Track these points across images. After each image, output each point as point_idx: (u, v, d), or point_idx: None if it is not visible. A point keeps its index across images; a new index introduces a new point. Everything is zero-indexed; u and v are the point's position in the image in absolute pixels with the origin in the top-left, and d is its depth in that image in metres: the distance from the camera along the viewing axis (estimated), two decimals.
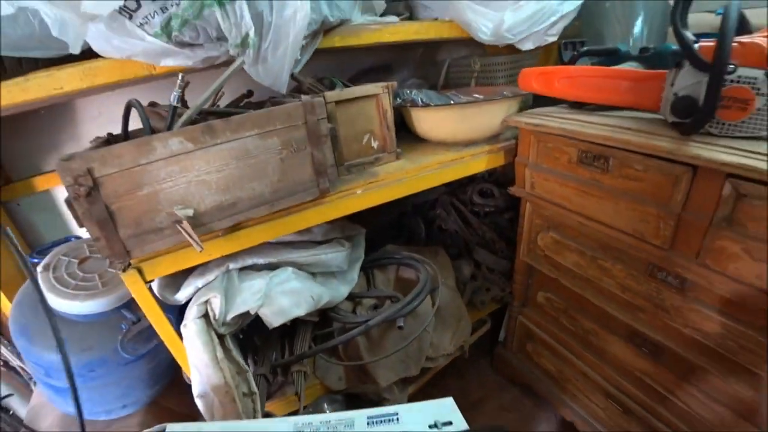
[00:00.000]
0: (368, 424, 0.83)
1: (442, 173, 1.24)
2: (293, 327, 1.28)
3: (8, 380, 1.65)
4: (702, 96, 0.82)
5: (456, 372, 1.94)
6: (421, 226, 1.79)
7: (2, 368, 1.70)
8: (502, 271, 1.67)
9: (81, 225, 0.86)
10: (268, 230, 0.99)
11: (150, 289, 0.96)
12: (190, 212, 0.90)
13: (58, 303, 1.04)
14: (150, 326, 1.02)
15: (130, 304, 1.10)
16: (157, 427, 0.76)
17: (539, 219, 1.29)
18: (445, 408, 0.95)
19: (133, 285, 0.93)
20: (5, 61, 0.94)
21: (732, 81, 0.79)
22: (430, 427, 0.85)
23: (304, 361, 1.18)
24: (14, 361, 1.57)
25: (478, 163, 1.29)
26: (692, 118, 0.85)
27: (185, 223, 0.89)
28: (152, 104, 1.12)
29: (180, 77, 0.92)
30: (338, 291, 1.21)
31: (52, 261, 1.12)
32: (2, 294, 1.48)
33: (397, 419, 0.86)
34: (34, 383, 1.50)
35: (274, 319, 1.00)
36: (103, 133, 1.13)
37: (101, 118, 1.61)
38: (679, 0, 0.84)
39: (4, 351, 1.56)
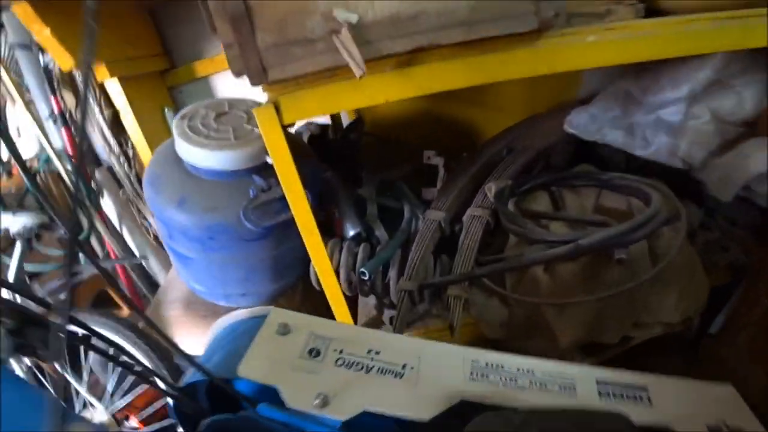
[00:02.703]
0: (600, 394, 0.47)
1: (719, 33, 0.76)
2: (453, 241, 0.97)
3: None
4: None
5: (631, 358, 1.44)
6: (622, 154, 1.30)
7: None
8: (749, 225, 1.12)
9: (213, 28, 0.63)
10: (458, 69, 0.66)
11: (287, 138, 0.71)
12: (353, 18, 0.60)
13: (185, 150, 0.88)
14: (282, 198, 0.79)
15: (262, 170, 0.89)
16: (264, 308, 0.51)
17: None
18: (725, 401, 0.55)
19: (266, 124, 0.69)
20: None
21: None
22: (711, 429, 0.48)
23: (465, 284, 0.86)
24: None
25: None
26: None
27: (345, 34, 0.60)
28: None
29: None
30: None
31: (190, 111, 0.96)
32: None
33: (649, 399, 0.49)
34: None
35: None
36: None
37: None
38: None
39: None
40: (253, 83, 0.66)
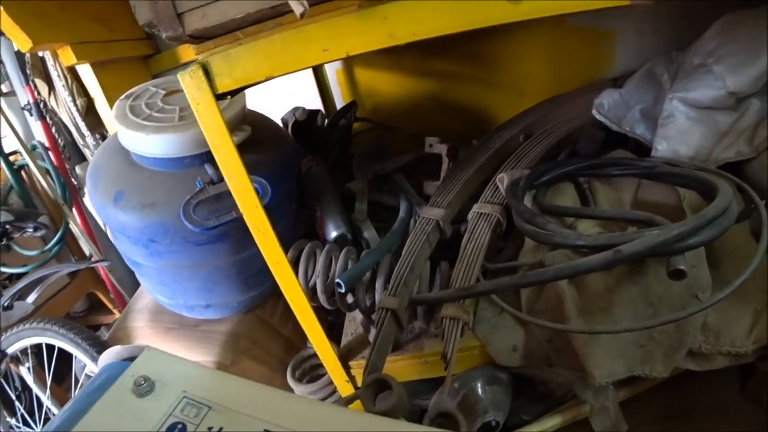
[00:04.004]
0: None
1: None
2: (451, 248, 0.78)
3: None
4: None
5: (676, 383, 1.20)
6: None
7: None
8: None
9: None
10: (448, 10, 0.46)
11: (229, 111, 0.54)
12: None
13: (123, 134, 0.72)
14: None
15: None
16: (141, 346, 0.34)
17: None
18: None
19: (195, 94, 0.52)
20: None
21: None
22: None
23: (464, 302, 0.67)
24: None
25: None
26: None
27: None
28: None
29: None
30: None
31: (138, 90, 0.80)
32: None
33: None
34: None
35: None
36: None
37: None
38: None
39: None
40: (169, 36, 0.49)
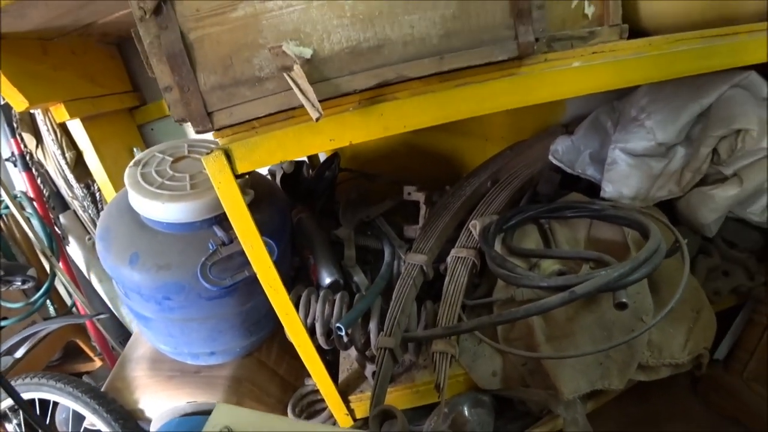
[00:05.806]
0: None
1: (710, 52, 0.70)
2: (439, 282, 0.89)
3: None
4: None
5: (638, 393, 1.35)
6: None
7: None
8: (751, 249, 1.07)
9: (150, 69, 0.56)
10: (430, 106, 0.59)
11: (246, 187, 0.63)
12: (307, 52, 0.54)
13: (137, 201, 0.79)
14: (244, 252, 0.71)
15: (224, 220, 0.81)
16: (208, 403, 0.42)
17: None
18: None
19: (217, 175, 0.61)
20: None
21: None
22: None
23: (450, 338, 0.77)
24: None
25: (757, 44, 0.72)
26: None
27: (297, 71, 0.53)
28: None
29: None
30: None
31: (145, 157, 0.88)
32: None
33: None
34: None
35: None
36: None
37: None
38: None
39: None
40: (198, 131, 0.58)
